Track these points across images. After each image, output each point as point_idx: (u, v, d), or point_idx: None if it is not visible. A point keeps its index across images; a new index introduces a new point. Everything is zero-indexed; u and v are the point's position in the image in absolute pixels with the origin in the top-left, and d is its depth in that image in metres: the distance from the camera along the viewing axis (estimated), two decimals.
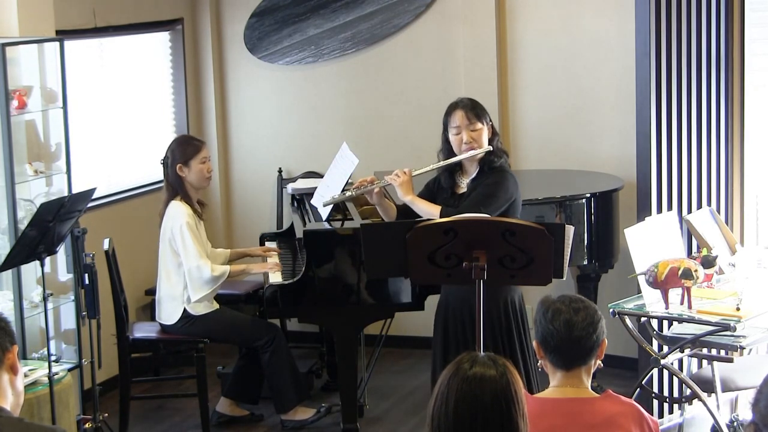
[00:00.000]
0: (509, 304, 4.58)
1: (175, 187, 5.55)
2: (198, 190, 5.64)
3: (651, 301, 4.62)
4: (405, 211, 4.75)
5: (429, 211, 4.56)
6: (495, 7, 6.58)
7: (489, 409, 2.39)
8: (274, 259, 5.77)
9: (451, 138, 4.64)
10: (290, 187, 6.43)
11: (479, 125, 4.61)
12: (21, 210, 5.34)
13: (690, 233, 5.28)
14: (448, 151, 4.69)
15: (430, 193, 4.75)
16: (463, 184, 4.70)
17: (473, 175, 4.67)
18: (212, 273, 5.47)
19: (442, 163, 4.68)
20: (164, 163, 5.61)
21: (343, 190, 5.06)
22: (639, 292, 4.75)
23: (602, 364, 3.12)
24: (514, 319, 4.60)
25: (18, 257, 4.83)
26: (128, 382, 5.64)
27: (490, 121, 4.68)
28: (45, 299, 5.01)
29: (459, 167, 4.72)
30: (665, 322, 4.92)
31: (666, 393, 5.54)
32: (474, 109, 4.64)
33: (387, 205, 4.79)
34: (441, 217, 4.46)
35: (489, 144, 4.63)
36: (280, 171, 7.16)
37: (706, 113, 5.67)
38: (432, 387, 4.68)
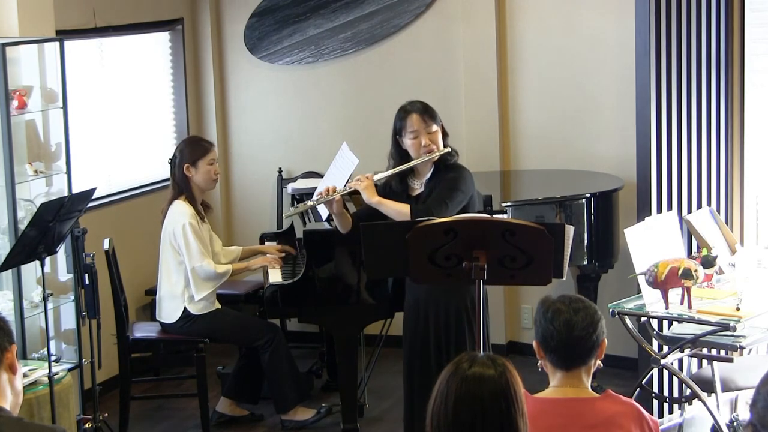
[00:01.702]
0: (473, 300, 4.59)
1: (181, 186, 5.57)
2: (203, 191, 5.67)
3: (651, 301, 4.62)
4: (360, 219, 4.73)
5: (399, 210, 4.60)
6: (495, 7, 6.58)
7: (488, 409, 2.39)
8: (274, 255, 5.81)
9: (409, 142, 4.68)
10: (290, 187, 6.42)
11: (434, 127, 4.69)
12: (21, 210, 5.34)
13: (690, 233, 5.28)
14: (399, 155, 4.73)
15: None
16: (417, 186, 4.75)
17: (428, 176, 4.73)
18: (216, 270, 5.49)
19: (404, 167, 4.71)
20: (172, 162, 5.63)
21: (304, 202, 5.04)
22: (639, 292, 4.74)
23: (602, 364, 3.12)
24: (477, 315, 4.61)
25: (18, 257, 4.82)
26: (128, 382, 5.64)
27: (440, 121, 4.73)
28: (45, 299, 5.01)
29: (411, 170, 4.75)
30: (665, 322, 4.92)
31: (666, 393, 5.54)
32: (428, 112, 4.71)
33: (345, 216, 4.81)
34: (412, 213, 4.52)
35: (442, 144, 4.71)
36: (280, 171, 7.16)
37: (706, 113, 5.67)
38: (405, 388, 4.75)
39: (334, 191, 4.73)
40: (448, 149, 4.69)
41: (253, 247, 6.04)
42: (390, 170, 4.75)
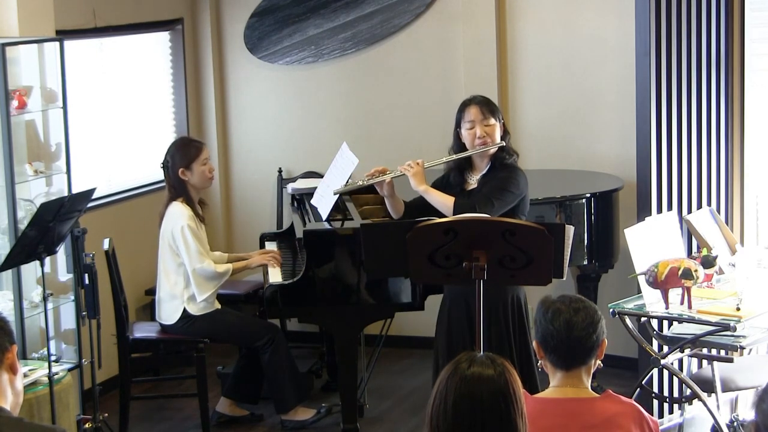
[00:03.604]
0: (514, 302, 4.60)
1: (177, 190, 5.55)
2: (200, 190, 5.66)
3: (651, 301, 4.62)
4: (413, 207, 4.76)
5: (443, 202, 4.59)
6: (495, 7, 6.58)
7: (487, 409, 2.39)
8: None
9: (465, 133, 4.67)
10: (290, 187, 6.42)
11: (492, 121, 4.67)
12: (21, 210, 5.34)
13: (690, 233, 5.28)
14: (458, 147, 4.73)
15: (438, 190, 4.75)
16: (473, 180, 4.73)
17: (484, 171, 4.71)
18: (216, 270, 5.49)
19: (454, 157, 4.71)
20: (164, 166, 5.60)
21: (360, 181, 5.01)
22: (639, 292, 4.75)
23: (602, 364, 3.12)
24: (519, 317, 4.62)
25: (18, 257, 4.82)
26: (128, 382, 5.64)
27: (502, 119, 4.74)
28: (45, 299, 5.01)
29: (469, 164, 4.75)
30: (665, 322, 4.92)
31: (666, 393, 5.54)
32: (488, 105, 4.71)
33: (396, 200, 4.81)
34: (455, 207, 4.50)
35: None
36: (280, 171, 7.16)
37: (706, 113, 5.67)
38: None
39: (385, 172, 4.74)
40: (501, 143, 4.66)
41: (239, 255, 5.95)
42: (440, 159, 4.75)
